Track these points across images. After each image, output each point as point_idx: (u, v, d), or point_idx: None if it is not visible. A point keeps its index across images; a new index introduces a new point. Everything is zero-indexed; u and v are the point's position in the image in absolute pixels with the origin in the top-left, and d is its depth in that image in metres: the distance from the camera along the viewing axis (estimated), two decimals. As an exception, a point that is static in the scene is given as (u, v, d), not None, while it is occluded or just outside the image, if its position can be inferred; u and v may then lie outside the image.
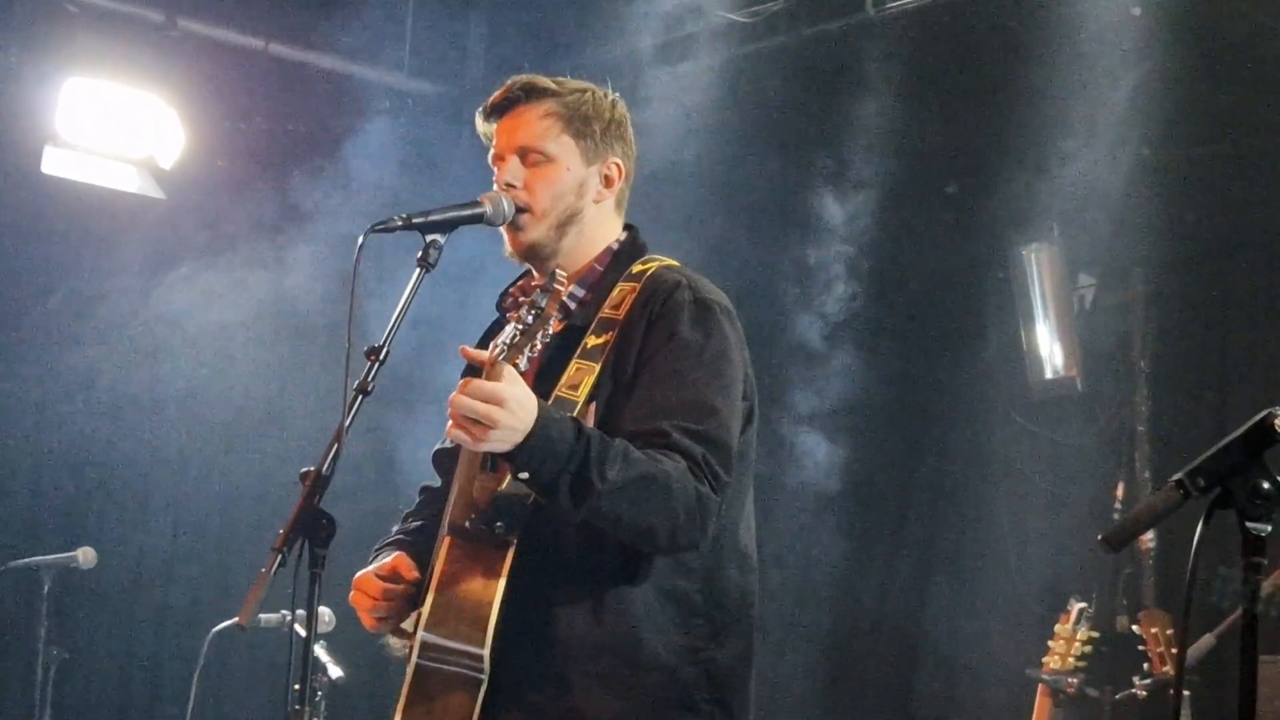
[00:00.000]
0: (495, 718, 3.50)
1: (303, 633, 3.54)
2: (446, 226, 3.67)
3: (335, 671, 5.64)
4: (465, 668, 3.45)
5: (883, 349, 7.81)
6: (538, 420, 3.29)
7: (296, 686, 3.54)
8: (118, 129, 7.70)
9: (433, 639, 3.46)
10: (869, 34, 7.53)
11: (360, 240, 3.58)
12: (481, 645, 3.42)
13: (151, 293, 7.79)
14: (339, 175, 7.52)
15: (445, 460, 3.95)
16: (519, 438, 3.28)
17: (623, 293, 3.68)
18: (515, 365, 3.27)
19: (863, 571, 7.90)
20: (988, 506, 7.67)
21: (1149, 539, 6.57)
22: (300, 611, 3.56)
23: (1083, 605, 6.35)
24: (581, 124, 3.80)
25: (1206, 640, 5.68)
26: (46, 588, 6.84)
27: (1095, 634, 6.33)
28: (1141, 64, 6.78)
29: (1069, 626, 6.32)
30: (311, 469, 3.49)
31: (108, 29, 7.78)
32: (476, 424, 3.25)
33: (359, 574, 3.77)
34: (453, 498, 3.63)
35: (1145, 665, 6.01)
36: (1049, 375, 7.48)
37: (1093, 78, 6.91)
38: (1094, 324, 7.48)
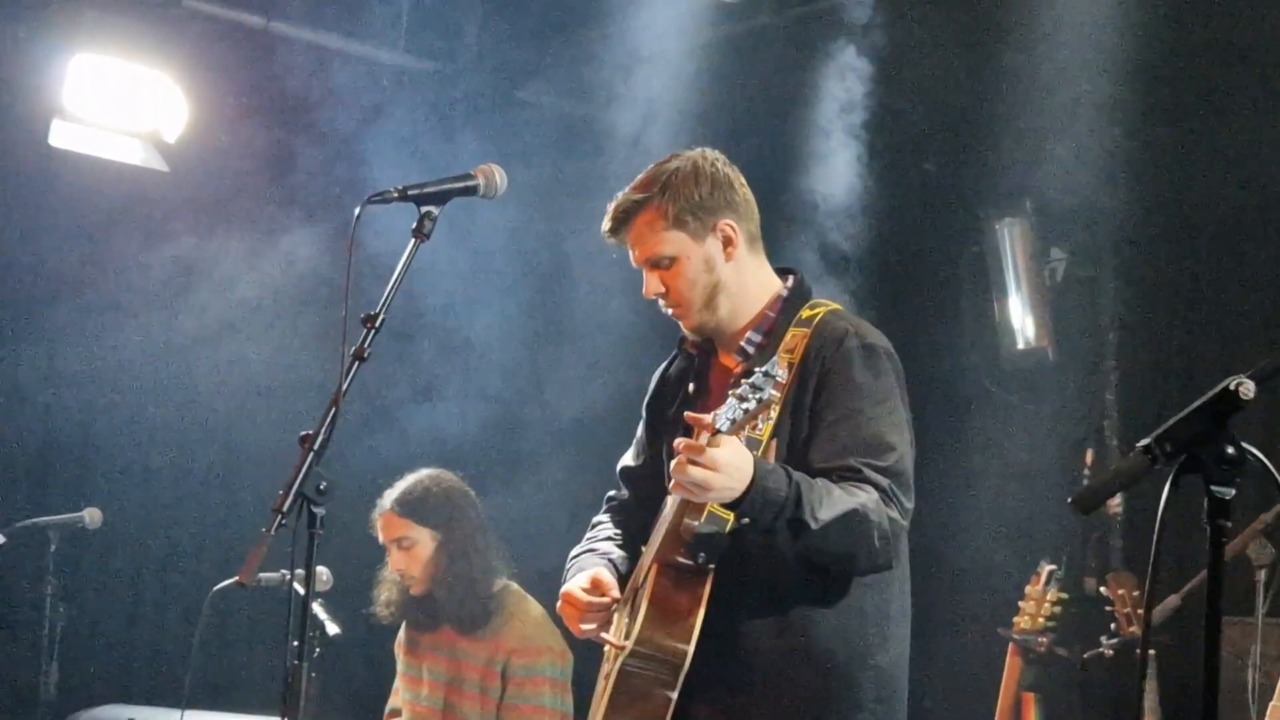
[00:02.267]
0: (686, 714, 3.82)
1: (301, 591, 3.56)
2: (440, 198, 3.76)
3: (332, 628, 5.65)
4: (666, 674, 3.78)
5: (864, 318, 7.78)
6: (755, 477, 3.59)
7: (295, 642, 3.59)
8: (123, 103, 7.64)
9: (642, 650, 3.78)
10: (851, 14, 7.53)
11: (357, 211, 3.63)
12: (683, 659, 3.77)
13: (154, 262, 7.78)
14: (337, 149, 7.50)
15: (632, 477, 4.36)
16: (737, 495, 3.58)
17: (795, 338, 3.95)
18: (739, 437, 3.60)
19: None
20: (962, 471, 7.67)
21: (1117, 503, 6.58)
22: (299, 570, 3.58)
23: (1052, 567, 6.37)
24: (679, 213, 3.98)
25: (1171, 601, 5.70)
26: (54, 547, 6.81)
27: (1064, 595, 6.35)
28: (1115, 48, 6.79)
29: (1039, 588, 6.33)
30: (310, 432, 3.52)
31: (114, 6, 7.72)
32: (698, 486, 3.55)
33: (565, 588, 4.06)
34: (662, 532, 3.89)
35: (1112, 625, 6.03)
36: (1021, 346, 7.49)
37: (1067, 60, 6.90)
38: (1065, 297, 7.48)
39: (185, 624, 5.72)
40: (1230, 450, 2.32)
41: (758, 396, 3.50)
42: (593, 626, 3.99)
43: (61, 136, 7.56)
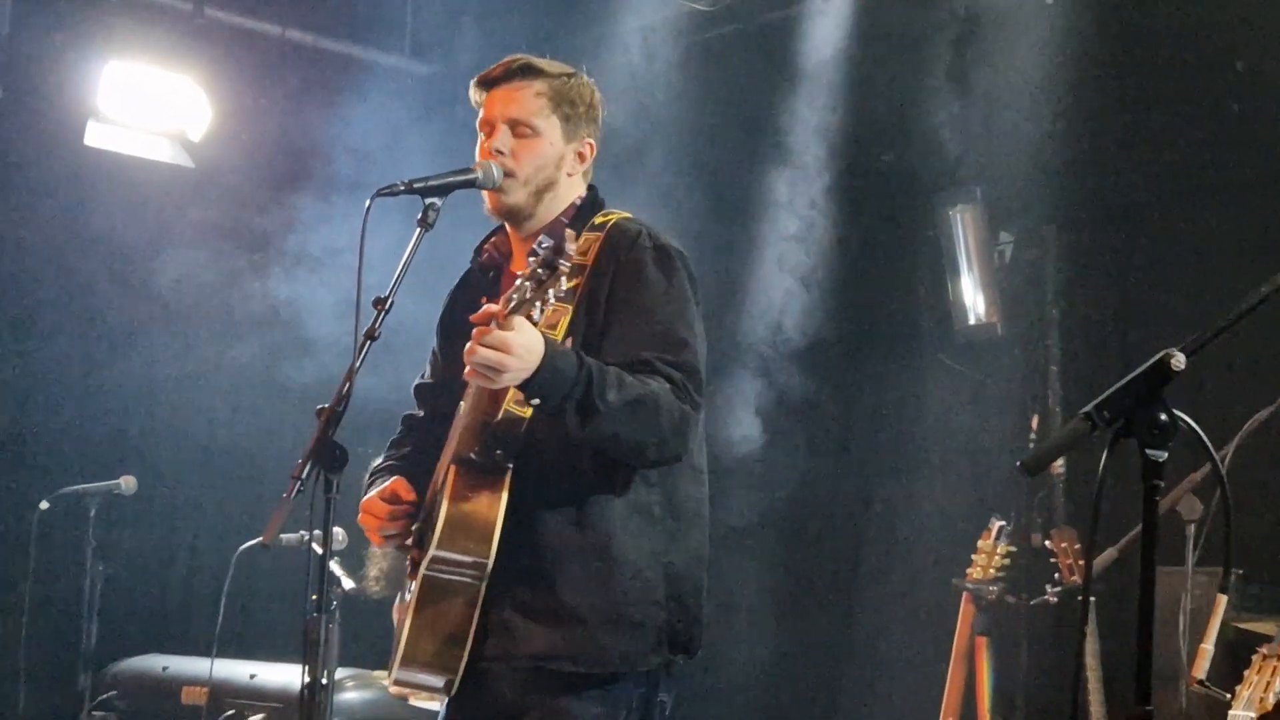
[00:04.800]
0: (490, 615, 3.59)
1: (319, 550, 3.56)
2: (442, 190, 3.72)
3: (348, 584, 5.64)
4: (470, 577, 3.55)
5: (830, 297, 7.82)
6: (545, 356, 3.36)
7: (314, 597, 3.57)
8: (152, 106, 7.72)
9: (444, 554, 3.53)
10: (815, 19, 7.56)
11: (367, 203, 3.60)
12: (487, 557, 3.52)
13: (181, 246, 7.83)
14: (347, 146, 7.50)
15: (426, 393, 4.05)
16: (528, 375, 3.36)
17: (588, 241, 3.72)
18: (529, 317, 3.32)
19: (812, 488, 7.92)
20: (919, 437, 7.69)
21: (1060, 465, 6.60)
22: (317, 531, 3.58)
23: (1002, 523, 6.37)
24: (567, 106, 3.85)
25: (1109, 554, 5.70)
26: (93, 511, 6.84)
27: (1013, 548, 6.35)
28: (1057, 50, 6.81)
29: (990, 542, 6.34)
30: (326, 406, 3.52)
31: (143, 17, 7.80)
32: (490, 368, 3.32)
33: (364, 498, 3.83)
34: (457, 432, 3.68)
35: (1056, 575, 6.03)
36: (972, 321, 7.48)
37: (1013, 57, 6.92)
38: (1012, 276, 7.48)
39: (214, 581, 5.71)
40: (1163, 417, 2.32)
41: (542, 272, 3.26)
42: (393, 534, 3.78)
43: (96, 136, 7.62)
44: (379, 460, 4.04)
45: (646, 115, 7.54)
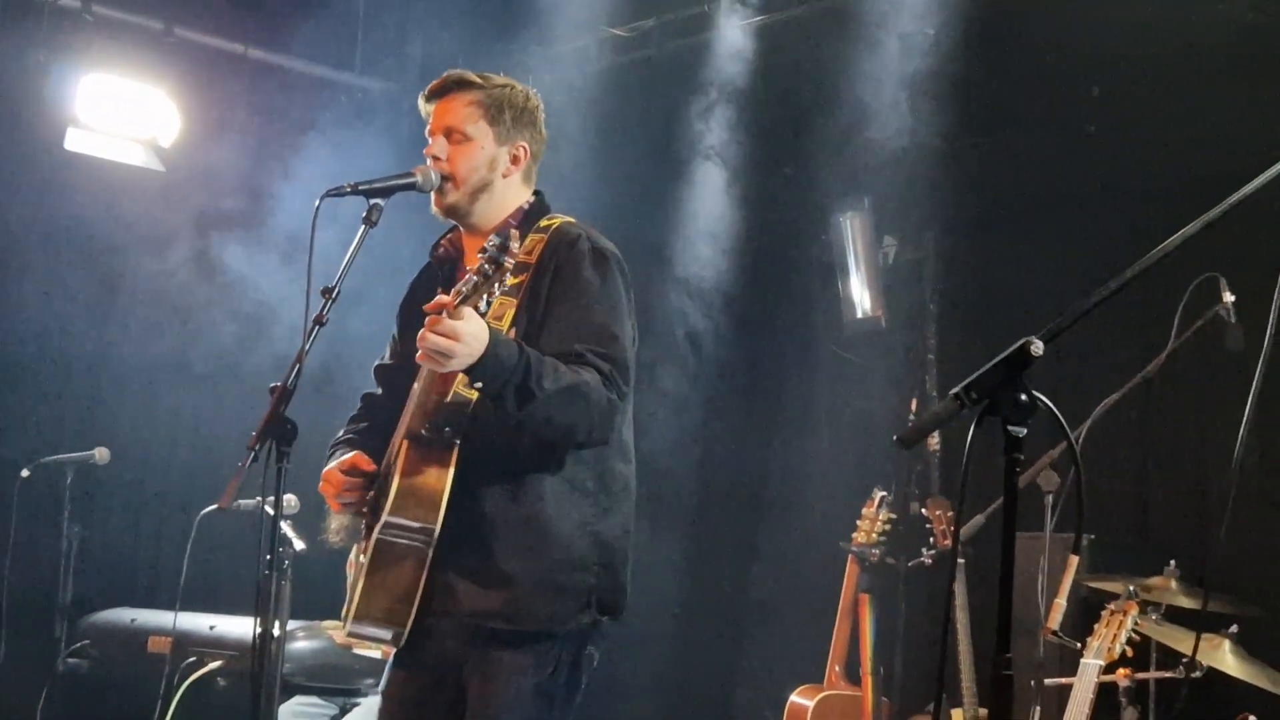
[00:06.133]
0: (435, 578, 3.57)
1: (272, 513, 3.52)
2: (386, 192, 3.70)
3: (299, 544, 5.58)
4: (419, 541, 3.52)
5: (735, 292, 7.84)
6: (490, 344, 3.33)
7: (268, 556, 3.54)
8: (126, 114, 7.65)
9: (396, 520, 3.51)
10: (720, 45, 7.57)
11: (317, 202, 3.57)
12: (434, 524, 3.50)
13: (154, 238, 7.78)
14: (302, 152, 7.46)
15: (384, 374, 4.01)
16: (474, 360, 3.33)
17: (533, 242, 3.69)
18: (476, 308, 3.31)
19: (717, 462, 7.94)
20: (811, 417, 7.71)
21: (934, 441, 6.63)
22: (270, 497, 3.54)
23: (884, 494, 6.40)
24: (497, 112, 3.81)
25: (977, 520, 5.73)
26: (69, 479, 6.76)
27: (893, 516, 6.38)
28: (933, 73, 6.84)
29: (873, 510, 6.36)
30: (278, 384, 3.49)
31: (118, 35, 7.75)
32: (440, 353, 3.29)
33: (325, 469, 3.80)
34: (410, 410, 3.65)
35: (930, 540, 6.07)
36: (859, 315, 7.51)
37: (896, 83, 6.94)
38: (895, 275, 7.52)
39: (177, 542, 5.65)
40: (1023, 397, 2.32)
41: (488, 268, 3.26)
42: (351, 501, 3.75)
43: (75, 141, 7.58)
44: (340, 434, 4.00)
45: (574, 125, 7.53)
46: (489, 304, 3.36)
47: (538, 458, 3.60)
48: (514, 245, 3.28)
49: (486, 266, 3.26)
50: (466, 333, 3.29)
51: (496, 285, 3.29)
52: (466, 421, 3.55)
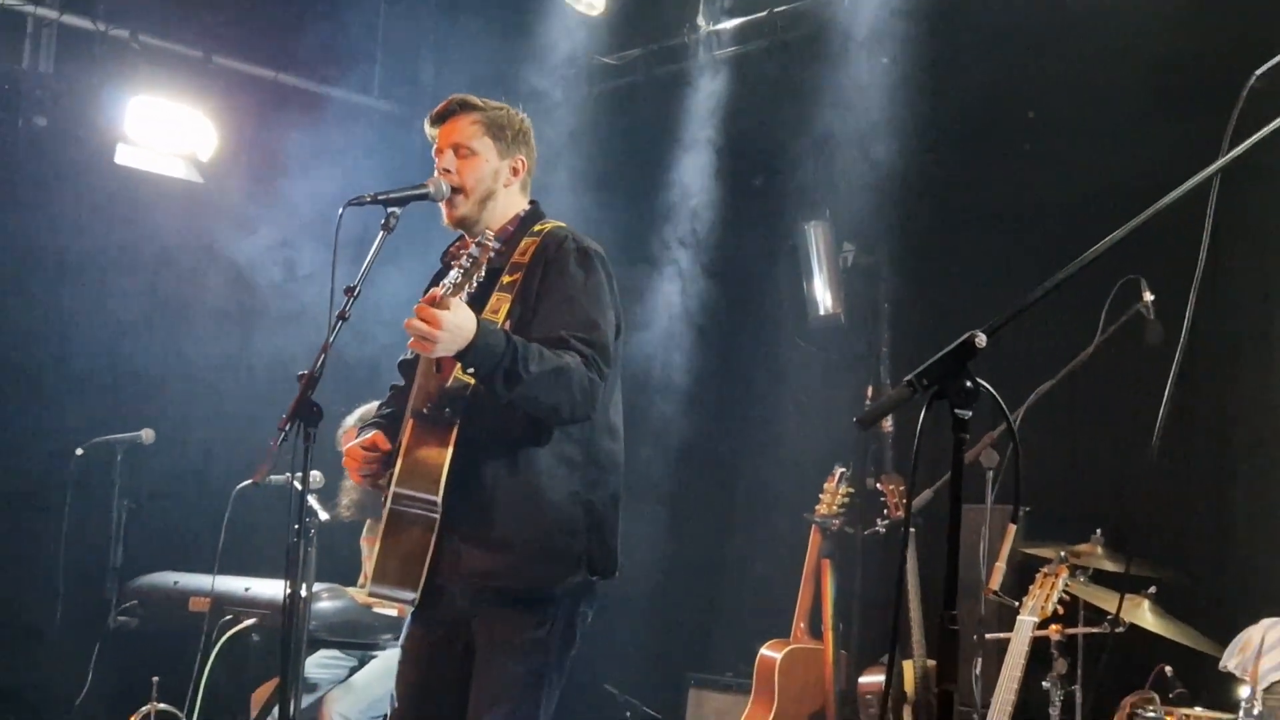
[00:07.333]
0: (443, 543, 3.58)
1: (299, 488, 3.52)
2: (402, 202, 3.72)
3: (324, 515, 5.58)
4: (425, 510, 3.54)
5: (711, 293, 7.84)
6: (478, 332, 3.36)
7: (295, 526, 3.55)
8: (169, 132, 7.69)
9: (403, 491, 3.54)
10: (699, 72, 7.58)
11: (340, 211, 3.59)
12: (436, 494, 3.52)
13: (191, 243, 7.79)
14: (327, 167, 7.47)
15: (407, 368, 4.03)
16: (461, 346, 3.35)
17: (527, 244, 3.74)
18: (459, 298, 3.34)
19: (696, 441, 7.94)
20: (779, 403, 7.71)
21: (889, 424, 6.63)
22: (298, 473, 3.54)
23: (843, 469, 6.41)
24: (498, 130, 3.86)
25: (927, 494, 5.75)
26: (119, 457, 6.77)
27: (852, 489, 6.39)
28: (888, 97, 6.84)
29: (834, 484, 6.37)
30: (305, 372, 3.50)
31: (163, 62, 7.80)
32: (424, 339, 3.32)
33: (348, 445, 3.82)
34: (414, 391, 3.68)
35: (885, 511, 6.08)
36: (822, 313, 7.51)
37: (856, 107, 6.95)
38: (853, 278, 7.51)
39: (216, 513, 5.65)
40: (969, 384, 2.32)
41: (471, 262, 3.35)
42: (369, 474, 3.76)
43: (124, 156, 7.63)
44: (371, 418, 4.04)
45: (564, 151, 7.55)
46: (468, 293, 3.38)
47: (532, 435, 3.61)
48: (490, 243, 3.39)
49: (466, 263, 3.35)
50: (449, 320, 3.31)
51: (475, 278, 3.36)
52: (465, 403, 3.57)
